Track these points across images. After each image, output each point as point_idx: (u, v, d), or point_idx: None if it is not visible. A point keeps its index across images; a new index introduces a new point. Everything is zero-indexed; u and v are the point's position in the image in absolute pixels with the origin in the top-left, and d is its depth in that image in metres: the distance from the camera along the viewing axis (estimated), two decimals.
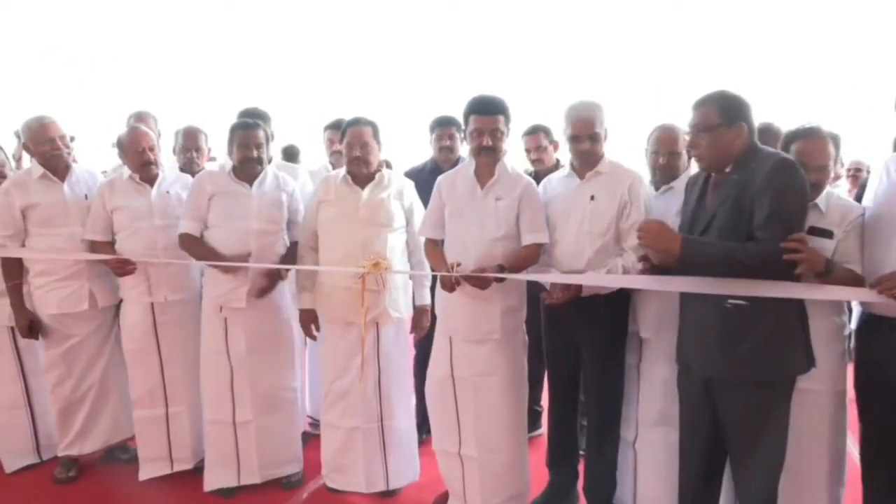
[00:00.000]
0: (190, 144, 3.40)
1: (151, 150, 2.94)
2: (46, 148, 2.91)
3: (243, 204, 2.83)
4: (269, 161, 3.06)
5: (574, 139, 2.51)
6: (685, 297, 2.21)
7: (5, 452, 3.25)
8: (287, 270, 2.94)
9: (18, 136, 3.20)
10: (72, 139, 3.12)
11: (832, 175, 2.27)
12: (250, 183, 2.86)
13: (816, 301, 2.10)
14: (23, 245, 2.94)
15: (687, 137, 2.15)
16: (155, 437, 3.06)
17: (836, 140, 2.24)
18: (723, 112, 2.02)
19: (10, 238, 2.93)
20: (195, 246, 2.82)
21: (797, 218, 1.97)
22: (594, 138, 2.49)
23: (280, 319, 3.00)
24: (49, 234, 2.93)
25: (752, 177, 1.96)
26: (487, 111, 2.50)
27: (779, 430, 2.07)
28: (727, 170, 2.06)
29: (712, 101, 2.05)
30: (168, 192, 3.00)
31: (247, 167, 2.84)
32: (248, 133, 2.82)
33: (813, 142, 2.19)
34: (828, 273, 2.00)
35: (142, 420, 3.05)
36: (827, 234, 2.15)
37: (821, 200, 2.19)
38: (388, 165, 2.92)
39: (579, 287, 2.42)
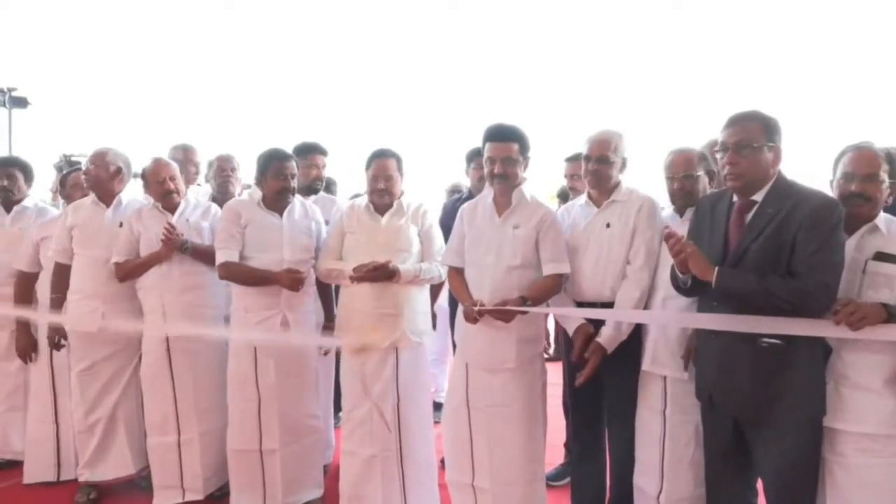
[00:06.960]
0: (226, 165, 3.58)
1: (172, 179, 3.05)
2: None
3: (275, 234, 2.90)
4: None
5: (585, 159, 2.58)
6: (701, 330, 2.16)
7: (29, 462, 3.34)
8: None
9: (59, 170, 3.39)
10: (135, 176, 3.27)
11: (887, 192, 2.07)
12: (280, 213, 2.94)
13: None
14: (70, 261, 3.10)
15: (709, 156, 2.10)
16: (167, 464, 3.08)
17: (891, 156, 2.08)
18: (766, 131, 1.98)
19: (59, 253, 3.11)
20: (241, 270, 2.83)
21: (841, 258, 1.92)
22: (602, 160, 2.53)
23: (305, 347, 3.01)
24: (82, 255, 3.09)
25: (793, 212, 1.91)
26: (500, 138, 2.55)
27: (813, 465, 2.02)
28: (755, 197, 2.01)
29: (755, 119, 2.00)
30: (188, 220, 3.09)
31: (282, 197, 2.92)
32: (282, 164, 2.90)
33: (860, 151, 2.07)
34: (892, 320, 1.86)
35: (155, 447, 3.09)
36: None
37: (880, 221, 2.04)
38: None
39: (604, 350, 2.45)
